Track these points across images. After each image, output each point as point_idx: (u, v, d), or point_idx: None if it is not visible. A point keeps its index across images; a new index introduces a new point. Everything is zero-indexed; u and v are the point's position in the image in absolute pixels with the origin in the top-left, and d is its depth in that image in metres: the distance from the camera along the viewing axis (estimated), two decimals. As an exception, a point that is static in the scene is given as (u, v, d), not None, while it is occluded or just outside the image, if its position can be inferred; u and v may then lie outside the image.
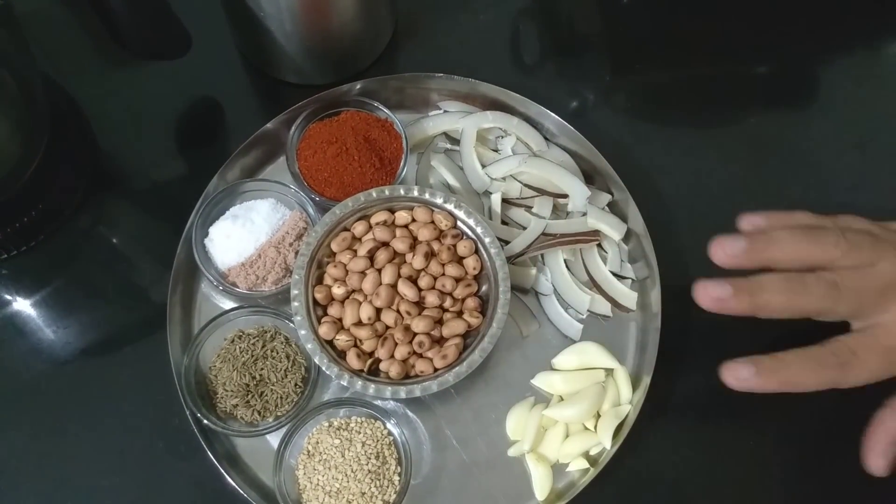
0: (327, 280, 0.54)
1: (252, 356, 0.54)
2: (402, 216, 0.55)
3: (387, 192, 0.55)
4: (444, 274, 0.54)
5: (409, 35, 0.66)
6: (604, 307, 0.57)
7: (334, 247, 0.55)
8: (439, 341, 0.53)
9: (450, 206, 0.55)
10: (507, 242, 0.57)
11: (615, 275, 0.58)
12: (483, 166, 0.60)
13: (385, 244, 0.55)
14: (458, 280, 0.54)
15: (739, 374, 0.45)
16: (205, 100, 0.65)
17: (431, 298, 0.53)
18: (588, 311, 0.57)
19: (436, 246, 0.55)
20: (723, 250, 0.46)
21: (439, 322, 0.53)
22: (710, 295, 0.45)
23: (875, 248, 0.46)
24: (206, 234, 0.57)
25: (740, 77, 0.66)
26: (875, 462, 0.46)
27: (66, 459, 0.54)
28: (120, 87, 0.64)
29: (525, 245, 0.57)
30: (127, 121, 0.63)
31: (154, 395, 0.55)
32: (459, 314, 0.54)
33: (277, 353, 0.54)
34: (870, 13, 0.68)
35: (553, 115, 0.60)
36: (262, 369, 0.54)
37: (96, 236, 0.60)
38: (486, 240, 0.54)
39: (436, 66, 0.61)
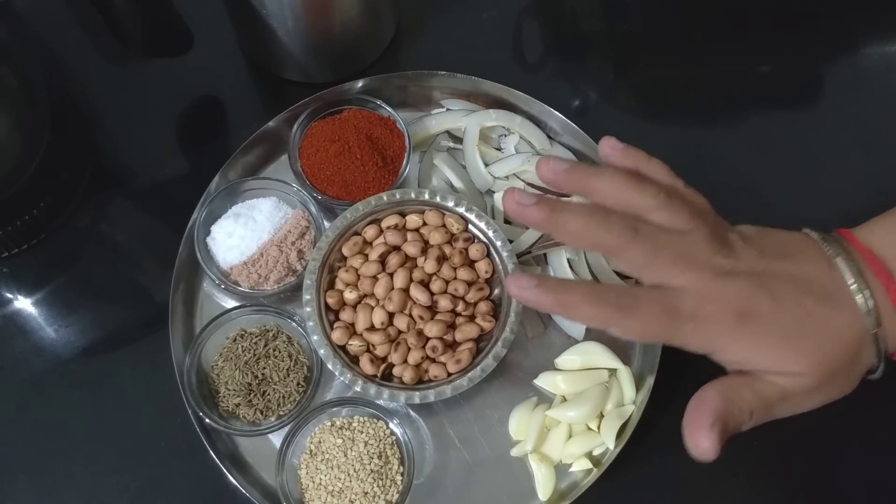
0: (339, 285, 0.54)
1: (254, 355, 0.54)
2: (413, 220, 0.55)
3: (398, 196, 0.55)
4: (455, 278, 0.54)
5: (411, 33, 0.66)
6: (607, 307, 0.57)
7: (346, 251, 0.55)
8: (452, 345, 0.53)
9: (461, 210, 0.55)
10: (510, 242, 0.57)
11: (618, 274, 0.58)
12: (486, 165, 0.60)
13: (396, 248, 0.54)
14: (470, 284, 0.54)
15: (521, 282, 0.43)
16: (207, 98, 0.64)
17: (444, 302, 0.53)
18: (591, 310, 0.57)
19: (447, 249, 0.54)
20: (547, 165, 0.46)
21: (452, 326, 0.53)
22: (514, 198, 0.45)
23: (692, 220, 0.44)
24: (209, 233, 0.57)
25: (744, 76, 0.66)
26: (702, 443, 0.42)
27: (68, 458, 0.54)
28: (122, 84, 0.64)
29: (528, 244, 0.57)
30: (129, 119, 0.63)
31: (156, 394, 0.55)
32: (472, 318, 0.54)
33: (280, 352, 0.54)
34: (873, 12, 0.67)
35: (556, 113, 0.60)
36: (264, 368, 0.54)
37: (98, 235, 0.60)
38: (498, 243, 0.54)
39: (438, 64, 0.61)
